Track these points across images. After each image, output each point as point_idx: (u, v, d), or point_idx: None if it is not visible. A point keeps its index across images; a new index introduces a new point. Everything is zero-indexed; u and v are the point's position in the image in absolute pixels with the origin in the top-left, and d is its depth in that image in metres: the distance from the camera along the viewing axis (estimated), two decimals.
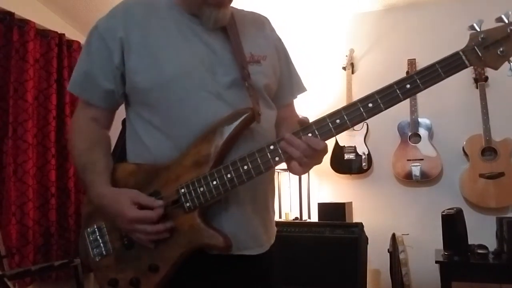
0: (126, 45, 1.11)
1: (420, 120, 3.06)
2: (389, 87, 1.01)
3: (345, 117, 1.02)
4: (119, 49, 1.11)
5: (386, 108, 1.01)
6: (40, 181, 2.99)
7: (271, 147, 1.03)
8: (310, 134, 1.02)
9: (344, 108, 1.03)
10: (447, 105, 3.08)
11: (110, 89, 1.14)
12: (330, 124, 1.02)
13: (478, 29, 1.01)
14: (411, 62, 3.12)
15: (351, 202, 3.12)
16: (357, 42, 3.33)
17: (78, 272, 2.70)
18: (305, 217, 3.18)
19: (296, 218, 3.16)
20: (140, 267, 1.08)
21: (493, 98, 2.92)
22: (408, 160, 3.04)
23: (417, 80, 0.99)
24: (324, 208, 2.97)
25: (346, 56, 3.29)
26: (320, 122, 1.03)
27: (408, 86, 1.00)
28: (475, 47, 0.99)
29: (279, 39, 1.30)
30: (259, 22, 1.28)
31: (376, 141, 3.18)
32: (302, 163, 1.03)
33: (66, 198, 3.12)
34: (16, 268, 2.61)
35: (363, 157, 3.13)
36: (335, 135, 1.04)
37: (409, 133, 3.07)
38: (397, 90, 1.00)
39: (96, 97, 1.17)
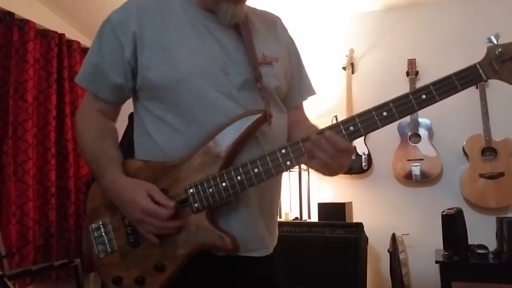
0: (139, 40, 1.09)
1: (420, 120, 3.06)
2: (404, 97, 0.99)
3: (359, 124, 1.00)
4: (131, 43, 1.09)
5: (400, 118, 1.00)
6: (40, 181, 2.99)
7: (283, 151, 1.02)
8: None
9: (358, 115, 1.01)
10: (447, 105, 3.02)
11: (119, 83, 1.13)
12: (343, 130, 1.01)
13: (496, 43, 0.99)
14: (411, 62, 3.12)
15: (351, 202, 3.12)
16: (357, 42, 3.33)
17: (78, 272, 2.70)
18: (305, 217, 3.18)
19: (296, 218, 3.16)
20: (146, 266, 1.07)
21: (493, 98, 2.92)
22: (408, 160, 3.04)
23: (432, 91, 0.98)
24: (324, 208, 2.97)
25: (346, 56, 3.29)
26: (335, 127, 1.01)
27: (423, 96, 0.98)
28: (492, 61, 0.98)
29: (291, 40, 1.30)
30: (272, 22, 1.27)
31: (376, 141, 3.18)
32: (325, 165, 1.00)
33: (66, 198, 3.11)
34: (16, 268, 2.61)
35: (363, 157, 3.13)
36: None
37: (409, 133, 3.07)
38: (413, 100, 0.99)
39: (104, 91, 1.15)
